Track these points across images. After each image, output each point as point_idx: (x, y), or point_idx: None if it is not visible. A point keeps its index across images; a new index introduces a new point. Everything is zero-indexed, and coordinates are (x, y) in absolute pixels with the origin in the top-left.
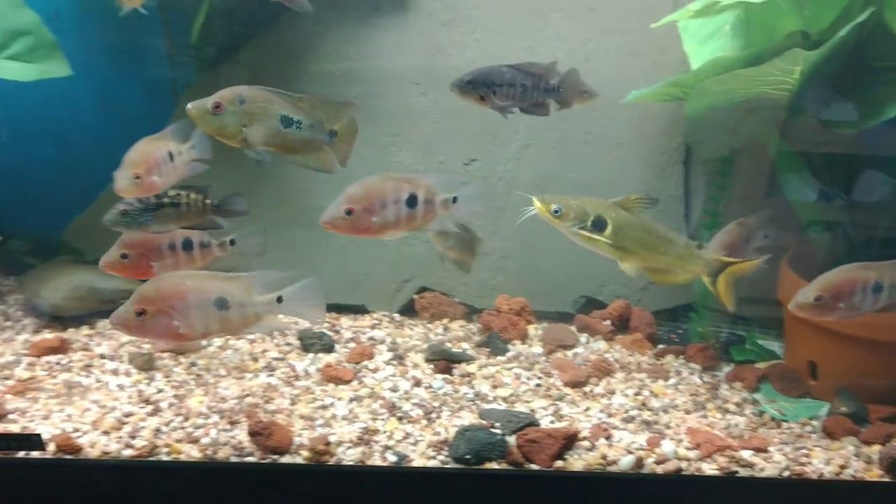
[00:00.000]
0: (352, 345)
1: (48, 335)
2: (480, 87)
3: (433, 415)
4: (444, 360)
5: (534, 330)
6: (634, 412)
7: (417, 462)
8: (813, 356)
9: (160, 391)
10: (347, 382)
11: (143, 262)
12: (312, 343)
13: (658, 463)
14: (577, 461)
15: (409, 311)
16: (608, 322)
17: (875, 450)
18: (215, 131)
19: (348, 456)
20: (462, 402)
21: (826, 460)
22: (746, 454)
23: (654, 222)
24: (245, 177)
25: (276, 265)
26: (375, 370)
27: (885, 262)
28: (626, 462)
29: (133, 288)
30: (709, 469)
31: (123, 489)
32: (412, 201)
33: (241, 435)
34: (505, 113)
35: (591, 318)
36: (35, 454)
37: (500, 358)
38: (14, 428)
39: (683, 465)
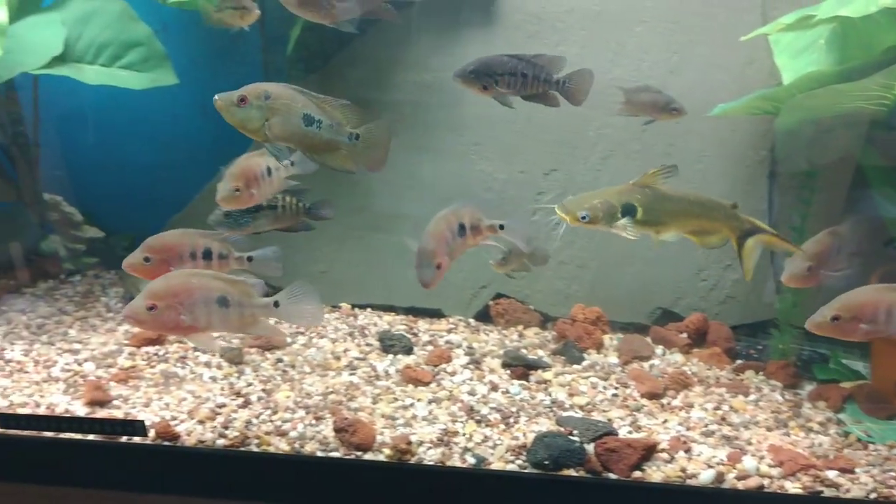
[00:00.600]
0: (429, 348)
1: None
2: (483, 76)
3: (511, 419)
4: (521, 366)
5: (609, 340)
6: (714, 426)
7: (496, 465)
8: None
9: (249, 385)
10: (426, 384)
11: (163, 267)
12: (392, 344)
13: (739, 479)
14: (655, 472)
15: (484, 316)
16: (684, 335)
17: None
18: (239, 123)
19: (429, 456)
20: (539, 408)
21: None
22: (832, 474)
23: (681, 189)
24: (325, 184)
25: (356, 269)
26: (453, 373)
27: None
28: (706, 476)
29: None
30: (792, 488)
31: (218, 477)
32: (461, 230)
33: (326, 430)
34: (505, 102)
35: (667, 330)
36: (136, 439)
37: (575, 366)
38: (118, 414)
39: (766, 482)
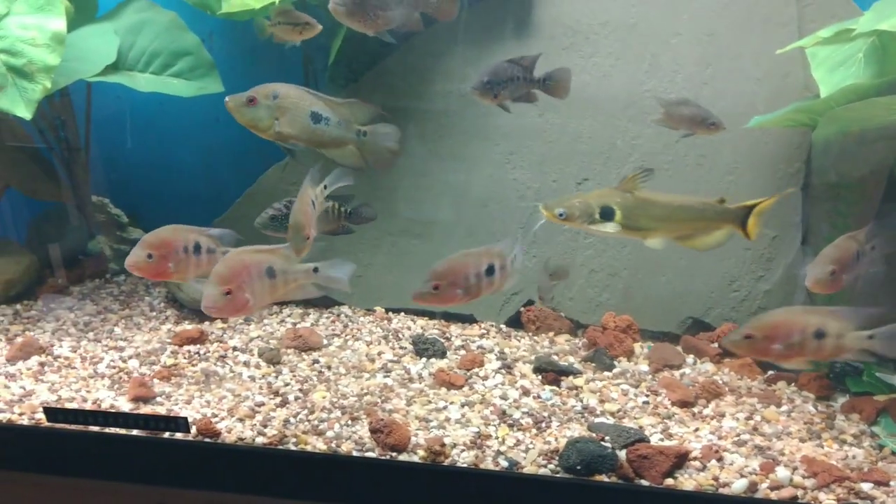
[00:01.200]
0: (462, 352)
1: (188, 326)
2: (495, 85)
3: (543, 424)
4: (552, 372)
5: (639, 348)
6: (746, 436)
7: (528, 469)
8: None
9: (287, 384)
10: (459, 388)
11: (164, 263)
12: (426, 348)
13: (772, 489)
14: (687, 480)
15: (515, 322)
16: (715, 344)
17: None
18: (249, 123)
19: (462, 458)
20: (570, 413)
21: None
22: (866, 486)
23: (665, 193)
24: (363, 191)
25: (391, 273)
26: (485, 378)
27: None
28: (739, 485)
29: None
30: (826, 499)
31: (257, 475)
32: (490, 270)
33: (362, 431)
34: (505, 107)
35: (698, 339)
36: (179, 436)
37: (606, 373)
38: (161, 410)
39: (799, 493)
